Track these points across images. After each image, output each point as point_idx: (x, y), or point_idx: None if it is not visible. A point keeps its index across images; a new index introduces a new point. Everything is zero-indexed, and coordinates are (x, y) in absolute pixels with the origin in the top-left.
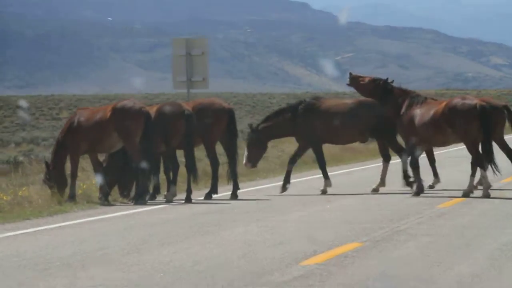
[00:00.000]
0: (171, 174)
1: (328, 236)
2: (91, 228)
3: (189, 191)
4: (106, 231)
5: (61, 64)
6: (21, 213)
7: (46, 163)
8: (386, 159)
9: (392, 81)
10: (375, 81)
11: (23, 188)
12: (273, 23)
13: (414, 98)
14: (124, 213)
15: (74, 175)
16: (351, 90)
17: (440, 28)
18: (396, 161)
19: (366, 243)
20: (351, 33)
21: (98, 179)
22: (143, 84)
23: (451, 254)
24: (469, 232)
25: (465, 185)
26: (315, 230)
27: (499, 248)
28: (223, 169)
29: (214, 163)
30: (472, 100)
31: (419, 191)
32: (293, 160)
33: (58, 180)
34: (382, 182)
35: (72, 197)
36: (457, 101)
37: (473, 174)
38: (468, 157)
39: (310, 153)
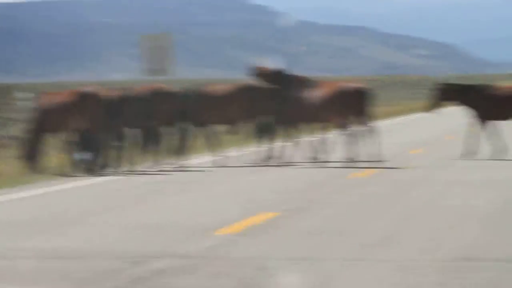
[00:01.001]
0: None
1: (253, 205)
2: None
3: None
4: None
5: (68, 57)
6: None
7: (21, 141)
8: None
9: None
10: (276, 70)
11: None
12: (240, 22)
13: (308, 83)
14: (80, 184)
15: (42, 151)
16: (307, 74)
17: (374, 26)
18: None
19: (283, 212)
20: (304, 30)
21: (77, 155)
22: (132, 74)
23: (352, 224)
24: (374, 200)
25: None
26: (243, 199)
27: (397, 218)
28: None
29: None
30: (356, 84)
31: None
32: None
33: (30, 155)
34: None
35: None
36: (342, 84)
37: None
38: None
39: None
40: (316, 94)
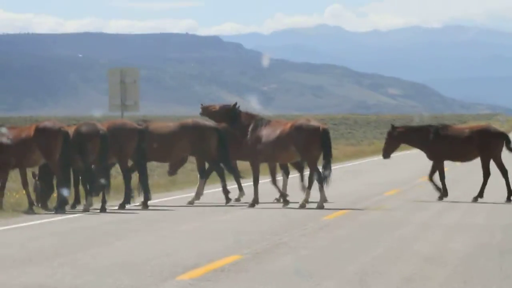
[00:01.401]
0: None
1: (215, 247)
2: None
3: (103, 201)
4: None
5: (42, 92)
6: None
7: None
8: (202, 176)
9: (239, 106)
10: (224, 108)
11: None
12: (212, 60)
13: (258, 121)
14: (37, 222)
15: (2, 187)
16: (276, 113)
17: (348, 65)
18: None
19: (246, 255)
20: (276, 69)
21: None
22: (105, 109)
23: (323, 268)
24: (346, 244)
25: (350, 198)
26: (205, 241)
27: (369, 262)
28: (152, 181)
29: (127, 177)
30: (316, 123)
31: (254, 204)
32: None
33: None
34: (197, 196)
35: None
36: (303, 122)
37: (309, 187)
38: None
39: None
40: (268, 132)
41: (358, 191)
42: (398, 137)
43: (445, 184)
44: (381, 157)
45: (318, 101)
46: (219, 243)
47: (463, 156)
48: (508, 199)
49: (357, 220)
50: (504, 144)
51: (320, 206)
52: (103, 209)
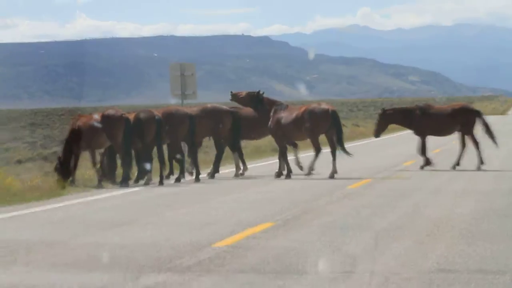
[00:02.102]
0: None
1: (250, 217)
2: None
3: (161, 177)
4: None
5: (124, 85)
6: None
7: (59, 157)
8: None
9: (263, 93)
10: (249, 94)
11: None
12: (264, 56)
13: (278, 106)
14: (102, 196)
15: (75, 166)
16: (317, 98)
17: (375, 58)
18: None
19: (278, 222)
20: (317, 62)
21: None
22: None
23: (342, 235)
24: (365, 211)
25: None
26: (242, 210)
27: (385, 227)
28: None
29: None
30: (326, 106)
31: (280, 174)
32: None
33: (64, 170)
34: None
35: (72, 182)
36: (315, 106)
37: (334, 160)
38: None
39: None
40: (287, 115)
41: (381, 162)
42: (388, 118)
43: (426, 155)
44: (401, 133)
45: (351, 88)
46: (256, 212)
47: (446, 130)
48: (478, 168)
49: (377, 188)
50: (479, 119)
51: (331, 176)
52: (161, 183)
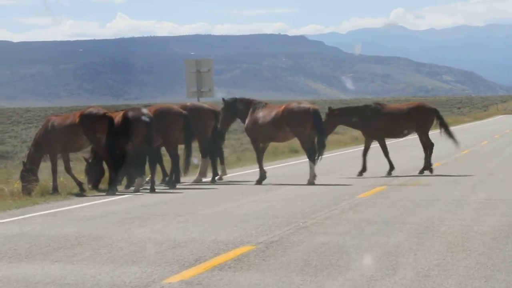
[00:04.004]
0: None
1: (230, 236)
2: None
3: (152, 182)
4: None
5: (161, 84)
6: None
7: (23, 162)
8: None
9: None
10: (225, 103)
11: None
12: (300, 55)
13: (256, 104)
14: (76, 206)
15: (54, 171)
16: (353, 97)
17: (409, 57)
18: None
19: (259, 245)
20: (351, 61)
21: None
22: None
23: (332, 263)
24: (368, 229)
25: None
26: (226, 226)
27: (386, 253)
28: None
29: (174, 158)
30: (306, 105)
31: (261, 180)
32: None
33: (33, 176)
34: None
35: (55, 189)
36: (294, 105)
37: (312, 162)
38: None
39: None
40: (265, 114)
41: (402, 165)
42: (335, 119)
43: (389, 158)
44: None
45: (386, 87)
46: (240, 229)
47: (400, 132)
48: (421, 172)
49: (390, 198)
50: (436, 118)
51: (311, 182)
52: (152, 190)
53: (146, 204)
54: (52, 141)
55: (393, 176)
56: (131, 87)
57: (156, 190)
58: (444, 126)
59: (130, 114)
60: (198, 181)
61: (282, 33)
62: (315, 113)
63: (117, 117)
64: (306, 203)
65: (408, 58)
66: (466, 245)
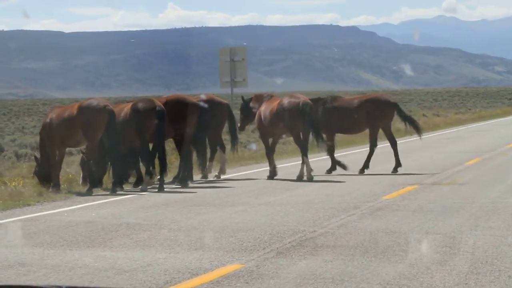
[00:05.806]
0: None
1: (221, 250)
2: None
3: (161, 181)
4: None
5: (213, 74)
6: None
7: (35, 157)
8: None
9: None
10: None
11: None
12: (351, 45)
13: (265, 98)
14: (76, 207)
15: (53, 166)
16: (404, 88)
17: (461, 48)
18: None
19: (249, 263)
20: (403, 51)
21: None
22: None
23: (338, 282)
24: (383, 241)
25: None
26: (219, 237)
27: (399, 274)
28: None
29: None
30: (298, 98)
31: (272, 176)
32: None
33: (44, 173)
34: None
35: (56, 187)
36: (285, 99)
37: (305, 156)
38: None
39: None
40: (265, 108)
41: (440, 160)
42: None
43: (334, 158)
44: (477, 124)
45: (438, 78)
46: (233, 242)
47: (354, 127)
48: (395, 170)
49: (419, 199)
50: (396, 112)
51: (310, 178)
52: (161, 188)
53: (142, 207)
54: (50, 135)
55: (428, 174)
56: (183, 78)
57: (165, 189)
58: (408, 120)
59: (140, 105)
60: (218, 177)
61: (334, 24)
62: (304, 106)
63: (125, 109)
64: (322, 206)
65: (460, 49)
66: (496, 263)
